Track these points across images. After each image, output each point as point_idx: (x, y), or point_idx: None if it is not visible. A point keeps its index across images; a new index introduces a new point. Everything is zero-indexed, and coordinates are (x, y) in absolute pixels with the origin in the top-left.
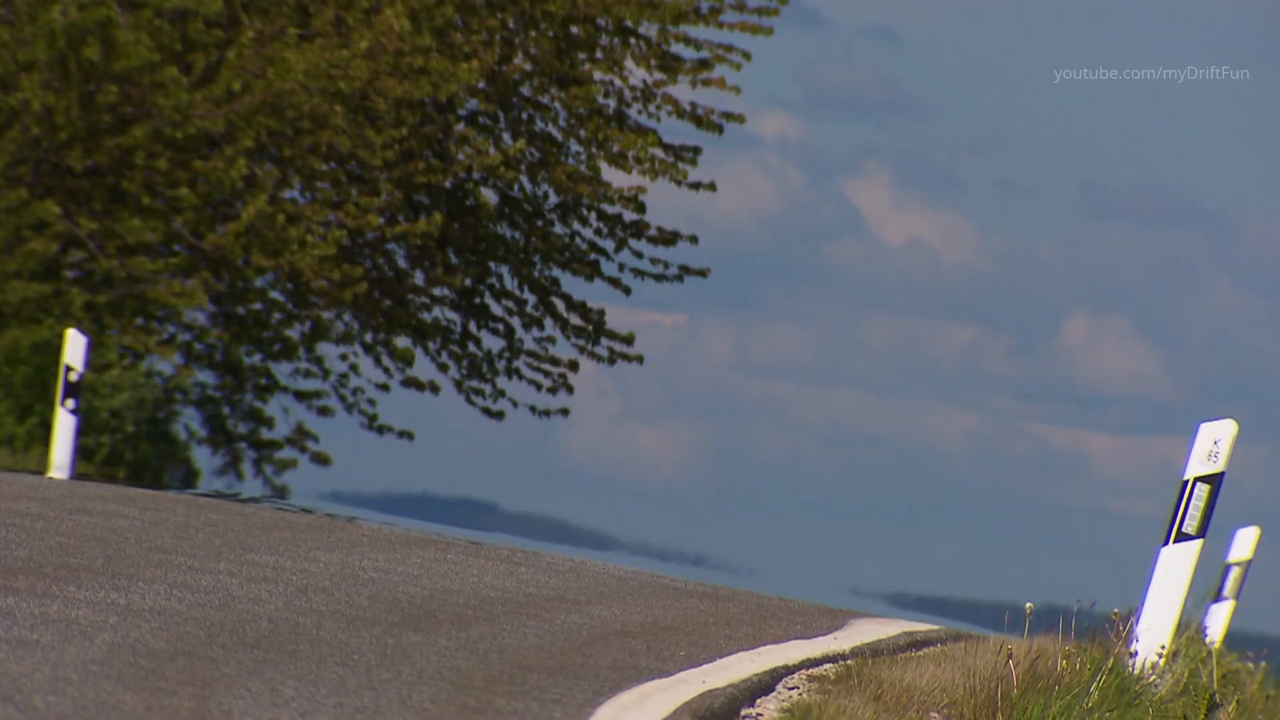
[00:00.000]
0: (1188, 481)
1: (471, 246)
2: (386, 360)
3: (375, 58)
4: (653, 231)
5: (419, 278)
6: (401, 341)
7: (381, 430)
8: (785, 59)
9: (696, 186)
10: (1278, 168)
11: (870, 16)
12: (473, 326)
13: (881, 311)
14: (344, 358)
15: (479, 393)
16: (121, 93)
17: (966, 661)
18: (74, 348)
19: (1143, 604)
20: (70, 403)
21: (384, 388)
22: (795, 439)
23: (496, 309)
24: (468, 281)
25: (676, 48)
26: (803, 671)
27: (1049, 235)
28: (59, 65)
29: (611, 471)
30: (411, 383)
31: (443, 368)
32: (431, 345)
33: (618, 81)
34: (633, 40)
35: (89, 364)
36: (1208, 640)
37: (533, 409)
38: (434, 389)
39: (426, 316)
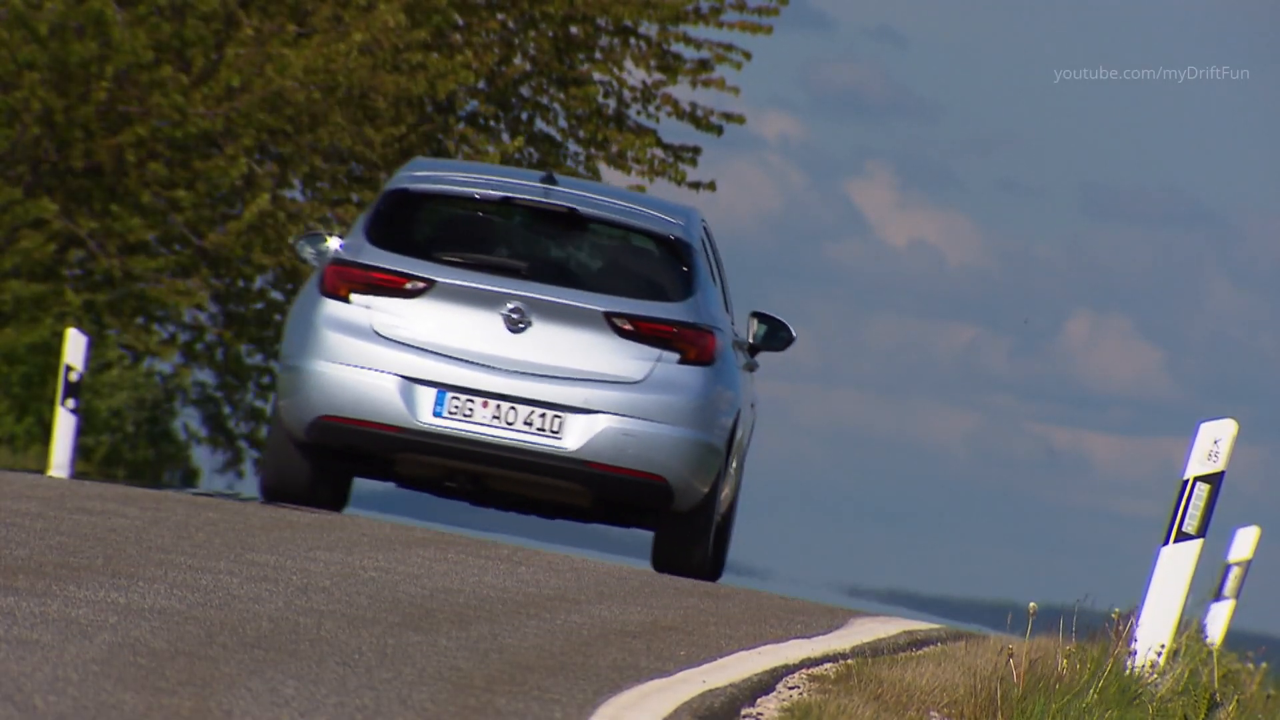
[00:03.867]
0: (1188, 481)
1: None
2: None
3: (372, 53)
4: None
5: None
6: None
7: None
8: (788, 60)
9: (696, 186)
10: (1278, 168)
11: (875, 18)
12: None
13: (883, 312)
14: None
15: None
16: (119, 91)
17: (967, 661)
18: (74, 347)
19: (1143, 604)
20: (70, 402)
21: None
22: (796, 439)
23: None
24: None
25: (676, 48)
26: (803, 671)
27: (1050, 235)
28: (57, 64)
29: None
30: None
31: None
32: None
33: (617, 82)
34: (632, 40)
35: (89, 363)
36: (1208, 640)
37: None
38: None
39: None
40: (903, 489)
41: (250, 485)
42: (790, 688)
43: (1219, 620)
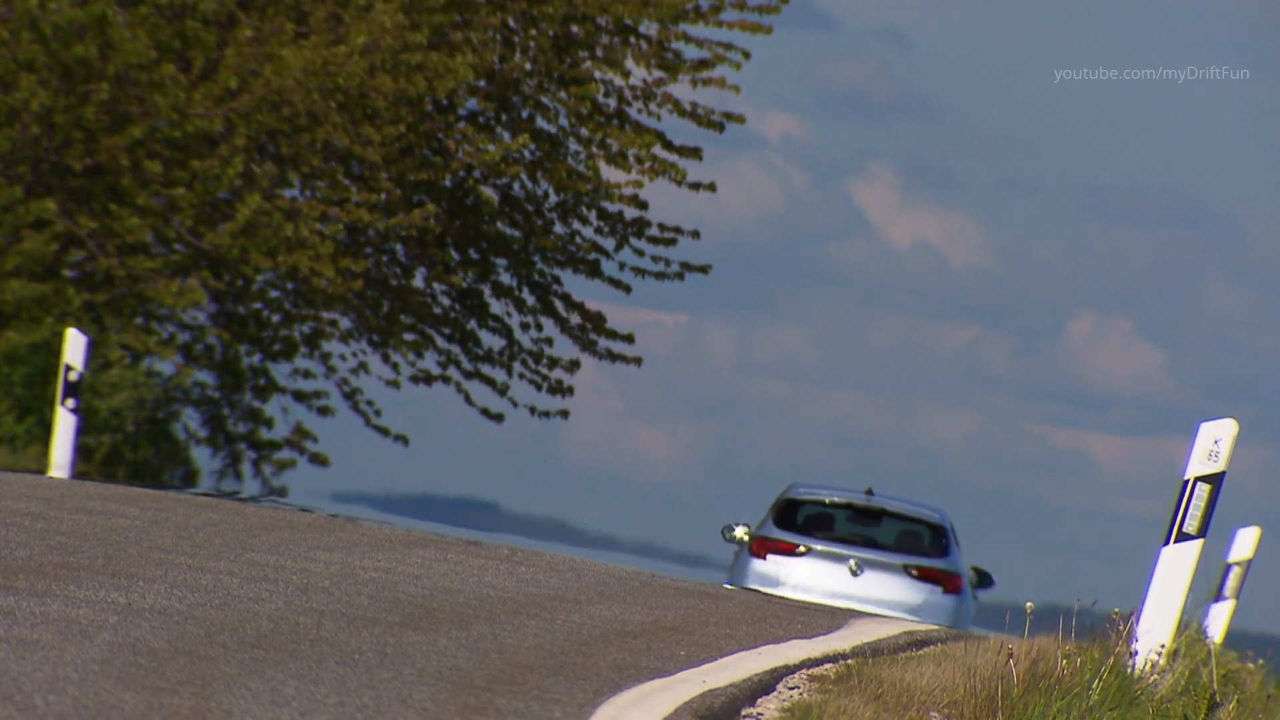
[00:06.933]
0: (1188, 481)
1: (473, 244)
2: (394, 356)
3: (371, 54)
4: (654, 229)
5: (420, 277)
6: (408, 336)
7: (385, 431)
8: (790, 60)
9: (696, 186)
10: (1278, 168)
11: (879, 19)
12: (473, 325)
13: (885, 312)
14: (352, 355)
15: (489, 382)
16: (119, 91)
17: (967, 661)
18: (74, 347)
19: (1143, 604)
20: (70, 402)
21: (394, 384)
22: (797, 439)
23: (496, 308)
24: (467, 281)
25: (676, 46)
26: (803, 671)
27: (1052, 236)
28: (57, 64)
29: (612, 471)
30: (421, 377)
31: (446, 363)
32: (439, 338)
33: (618, 80)
34: (633, 39)
35: (89, 363)
36: (1208, 640)
37: (532, 410)
38: (445, 380)
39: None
40: (903, 489)
41: (251, 486)
42: (791, 688)
43: (1219, 620)
